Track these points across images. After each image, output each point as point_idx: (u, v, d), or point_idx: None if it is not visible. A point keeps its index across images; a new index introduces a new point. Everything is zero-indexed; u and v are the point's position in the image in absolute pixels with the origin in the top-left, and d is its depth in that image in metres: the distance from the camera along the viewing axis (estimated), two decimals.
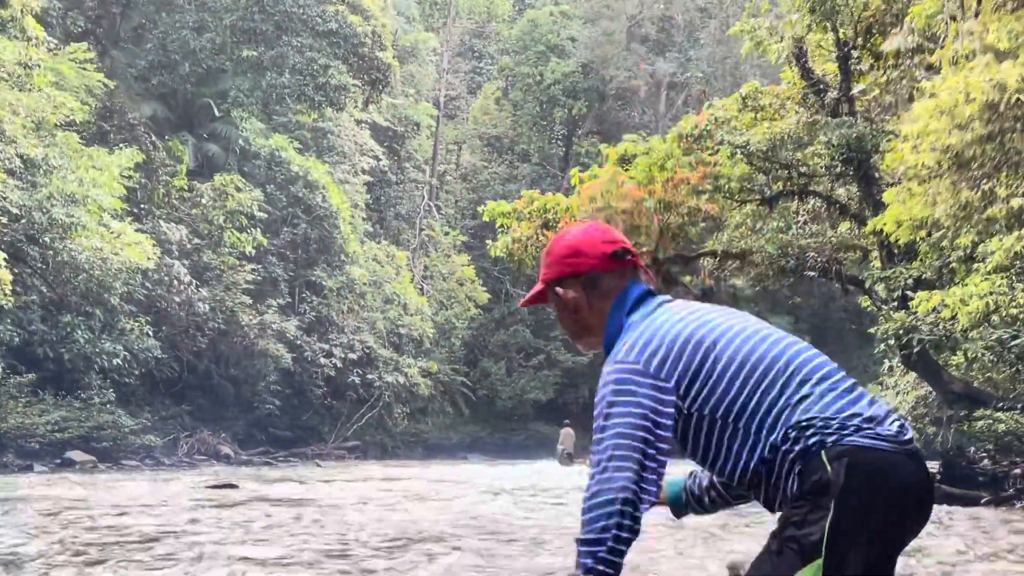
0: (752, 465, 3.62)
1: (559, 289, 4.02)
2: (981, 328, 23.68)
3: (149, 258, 42.72)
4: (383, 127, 73.22)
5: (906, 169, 18.41)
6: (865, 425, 3.48)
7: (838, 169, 31.06)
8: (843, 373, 3.70)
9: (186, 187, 52.29)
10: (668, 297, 3.99)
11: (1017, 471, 25.28)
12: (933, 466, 32.42)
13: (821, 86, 31.66)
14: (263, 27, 55.75)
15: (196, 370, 53.56)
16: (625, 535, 3.53)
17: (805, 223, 34.27)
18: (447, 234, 77.62)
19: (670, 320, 3.78)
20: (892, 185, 25.94)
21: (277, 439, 56.85)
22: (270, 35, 56.03)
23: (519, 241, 33.09)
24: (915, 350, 26.99)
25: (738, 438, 3.62)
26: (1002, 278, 20.41)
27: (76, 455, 41.30)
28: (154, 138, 50.71)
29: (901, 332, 27.10)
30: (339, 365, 59.48)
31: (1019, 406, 27.42)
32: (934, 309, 25.72)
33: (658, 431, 3.61)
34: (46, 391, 43.45)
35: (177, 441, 49.75)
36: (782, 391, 3.59)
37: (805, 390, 3.58)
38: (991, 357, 26.81)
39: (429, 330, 67.59)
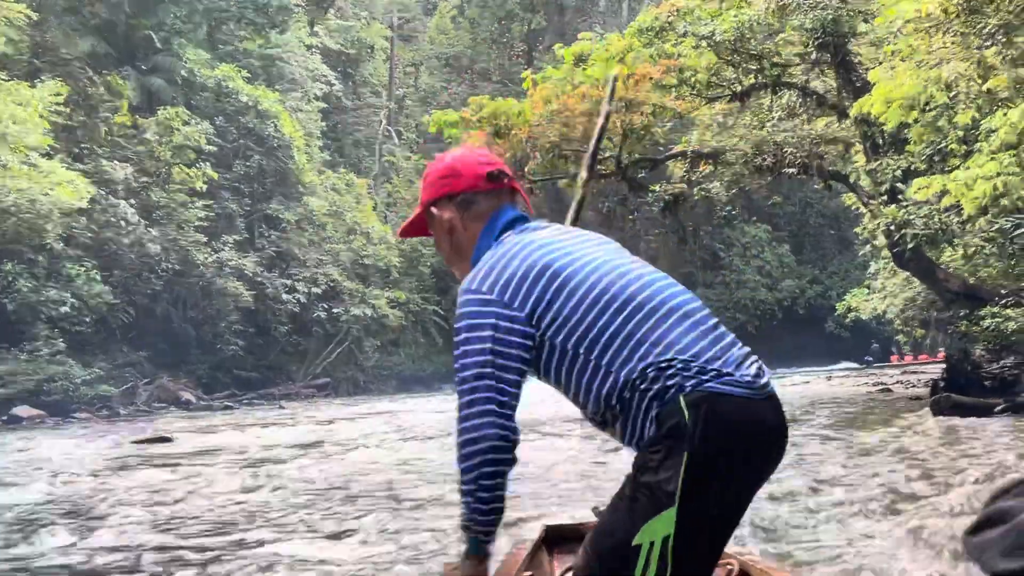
0: (606, 400, 3.53)
1: (434, 209, 4.02)
2: (989, 216, 21.49)
3: (83, 197, 40.62)
4: (335, 51, 71.17)
5: (904, 24, 16.01)
6: (724, 369, 3.44)
7: (813, 56, 28.88)
8: (707, 311, 3.68)
9: (129, 123, 49.96)
10: (542, 223, 3.96)
11: None
12: (935, 372, 30.71)
13: None
14: None
15: (153, 314, 51.56)
16: (498, 479, 3.53)
17: (780, 119, 32.10)
18: (408, 159, 75.42)
19: (529, 247, 3.72)
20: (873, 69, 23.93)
21: (243, 381, 55.11)
22: None
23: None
24: (908, 246, 24.81)
25: (589, 371, 3.55)
26: (1011, 156, 18.09)
27: (23, 411, 39.44)
28: (91, 73, 48.39)
29: (892, 227, 24.91)
30: (303, 300, 58.01)
31: None
32: (927, 201, 23.57)
33: (511, 362, 3.54)
34: None
35: (135, 390, 47.62)
36: (639, 325, 3.52)
37: (666, 327, 3.52)
38: (992, 249, 24.60)
39: (395, 259, 66.03)
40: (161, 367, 50.60)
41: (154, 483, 15.29)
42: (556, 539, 5.59)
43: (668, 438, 3.33)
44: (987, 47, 15.53)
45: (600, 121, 5.65)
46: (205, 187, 51.63)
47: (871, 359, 70.21)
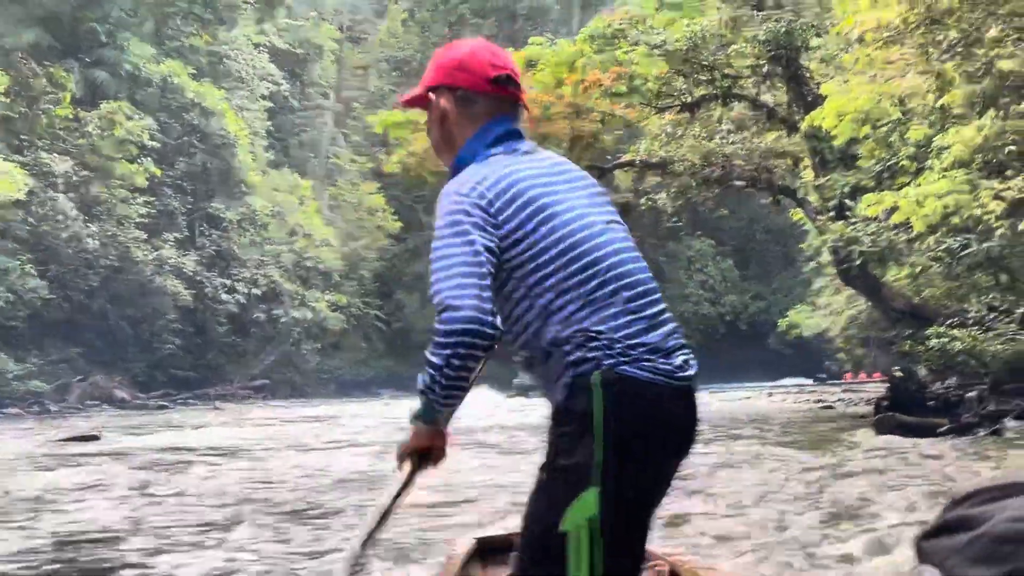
0: (535, 345, 3.51)
1: (433, 96, 3.82)
2: (939, 234, 21.19)
3: (20, 189, 39.90)
4: (283, 51, 70.64)
5: (861, 34, 15.68)
6: (647, 356, 3.40)
7: (765, 69, 28.55)
8: (656, 293, 3.60)
9: (71, 116, 49.09)
10: (533, 146, 3.81)
11: (972, 394, 22.88)
12: (877, 391, 30.49)
13: None
14: None
15: (89, 310, 50.96)
16: (470, 360, 3.44)
17: (729, 132, 31.82)
18: (354, 162, 74.81)
19: (520, 173, 3.61)
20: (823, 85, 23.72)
21: (179, 380, 54.51)
22: None
23: (415, 155, 30.54)
24: (856, 263, 24.55)
25: (532, 312, 3.51)
26: (964, 174, 17.80)
27: None
28: (34, 65, 47.61)
29: (840, 244, 24.64)
30: (243, 301, 57.56)
31: (970, 322, 25.00)
32: (875, 218, 23.31)
33: (491, 258, 3.46)
34: None
35: (69, 386, 46.91)
36: (591, 291, 3.47)
37: (610, 299, 3.47)
38: (939, 269, 24.35)
39: (338, 262, 65.57)
40: (96, 364, 49.99)
41: (61, 485, 14.76)
42: (488, 551, 5.46)
43: (579, 414, 3.35)
44: (946, 60, 15.21)
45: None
46: (147, 183, 51.00)
47: (824, 376, 70.02)
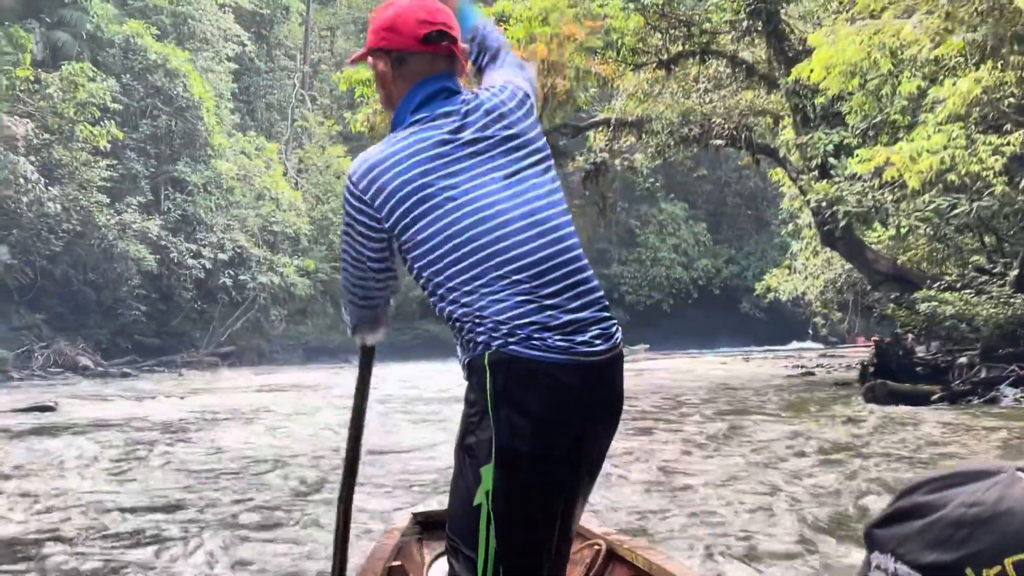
0: (445, 322, 3.65)
1: (370, 59, 3.92)
2: (933, 192, 20.40)
3: None
4: (248, 11, 69.38)
5: None
6: (537, 334, 3.43)
7: (744, 24, 27.66)
8: (564, 269, 3.59)
9: (32, 78, 47.91)
10: (467, 96, 3.79)
11: (963, 360, 22.15)
12: (853, 356, 29.75)
13: None
14: None
15: (52, 276, 50.07)
16: (374, 326, 4.15)
17: (706, 90, 31.00)
18: (322, 124, 73.79)
19: (417, 157, 3.63)
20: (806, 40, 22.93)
21: (144, 347, 53.86)
22: None
23: (382, 112, 29.51)
24: (840, 224, 23.73)
25: (429, 292, 3.64)
26: (960, 128, 16.98)
27: None
28: None
29: (824, 204, 23.83)
30: (208, 266, 56.54)
31: (958, 285, 24.27)
32: (860, 177, 22.52)
33: (374, 254, 3.76)
34: None
35: (31, 354, 46.03)
36: (479, 275, 3.51)
37: (497, 279, 3.52)
38: (928, 230, 23.59)
39: (305, 227, 64.44)
40: (60, 331, 49.32)
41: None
42: (426, 526, 5.58)
43: (478, 394, 3.46)
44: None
45: None
46: (109, 146, 49.86)
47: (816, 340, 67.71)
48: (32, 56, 48.39)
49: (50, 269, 49.70)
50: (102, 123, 48.97)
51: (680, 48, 29.61)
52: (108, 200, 50.71)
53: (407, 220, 3.58)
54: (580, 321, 3.53)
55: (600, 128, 32.46)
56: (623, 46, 28.93)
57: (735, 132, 29.69)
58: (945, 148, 16.75)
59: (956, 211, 21.96)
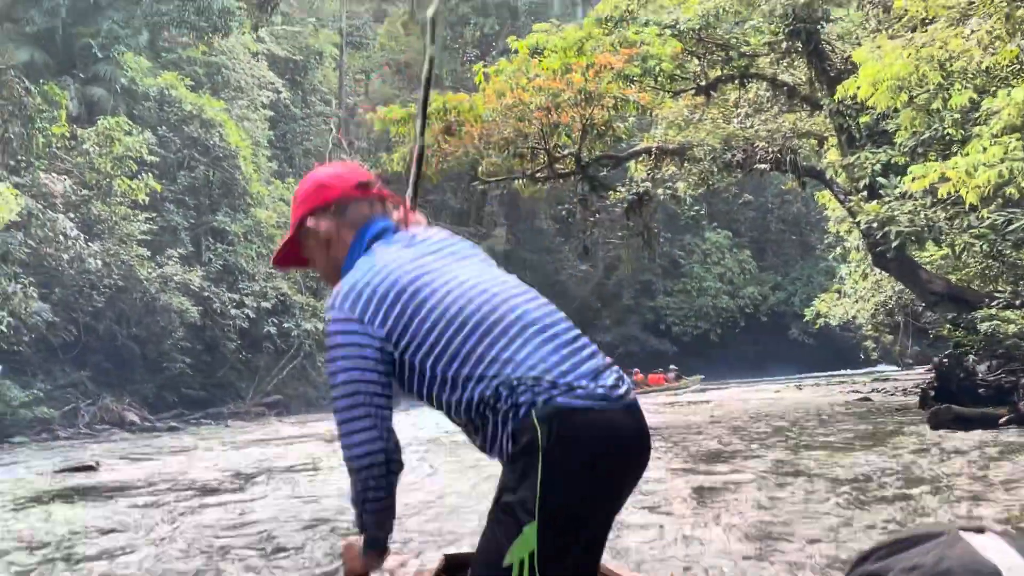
0: (466, 414, 3.60)
1: (310, 221, 4.05)
2: (992, 207, 19.81)
3: (12, 210, 38.63)
4: (282, 58, 69.35)
5: None
6: (577, 383, 3.49)
7: (783, 45, 27.15)
8: (565, 324, 3.74)
9: (68, 134, 47.85)
10: (411, 234, 4.02)
11: None
12: (923, 378, 29.07)
13: None
14: None
15: (95, 332, 49.60)
16: (383, 490, 3.72)
17: (747, 115, 30.50)
18: (360, 168, 73.30)
19: (390, 265, 3.79)
20: (849, 57, 22.41)
21: (190, 400, 53.21)
22: None
23: None
24: (893, 244, 23.08)
25: (448, 388, 3.61)
26: (1017, 140, 16.39)
27: None
28: (28, 84, 46.46)
29: (875, 225, 23.19)
30: (252, 315, 56.12)
31: (1017, 303, 23.56)
32: (911, 196, 21.94)
33: (376, 382, 3.66)
34: None
35: (77, 411, 45.82)
36: (492, 345, 3.57)
37: (517, 344, 3.57)
38: (983, 246, 22.92)
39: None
40: (105, 387, 48.80)
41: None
42: (456, 568, 5.36)
43: (524, 454, 3.40)
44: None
45: (415, 152, 5.45)
46: (148, 199, 49.45)
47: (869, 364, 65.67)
48: (67, 112, 48.35)
49: (93, 325, 49.28)
50: (140, 176, 48.70)
51: (719, 72, 29.16)
52: (149, 253, 50.36)
53: (405, 319, 3.65)
54: (599, 368, 3.61)
55: (641, 158, 31.99)
56: (661, 73, 28.48)
57: (780, 155, 29.11)
58: (1002, 161, 16.14)
59: (1013, 226, 21.34)
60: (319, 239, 4.04)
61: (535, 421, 3.39)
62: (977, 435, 17.80)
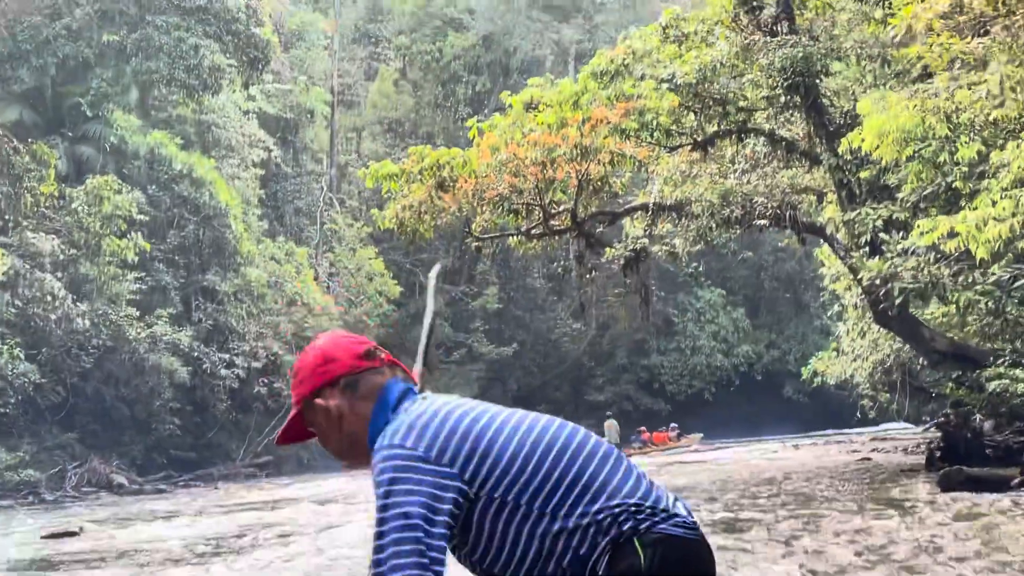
0: (542, 551, 3.52)
1: (319, 401, 3.84)
2: (1003, 262, 19.35)
3: None
4: (273, 116, 68.92)
5: (929, 21, 13.63)
6: (671, 510, 3.55)
7: (781, 99, 26.73)
8: (623, 455, 3.72)
9: (57, 193, 47.44)
10: (432, 395, 3.83)
11: None
12: (922, 437, 28.49)
13: (755, 3, 27.09)
14: (123, 8, 52.00)
15: (83, 393, 49.14)
16: None
17: (744, 171, 30.10)
18: (351, 226, 73.07)
19: (442, 409, 3.66)
20: (848, 112, 22.05)
21: (180, 461, 52.64)
22: (132, 16, 52.17)
23: (411, 208, 28.81)
24: (896, 301, 22.58)
25: (531, 519, 3.52)
26: None
27: None
28: (16, 143, 46.11)
29: (878, 282, 22.69)
30: (242, 375, 55.44)
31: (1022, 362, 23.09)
32: (914, 252, 21.49)
33: (440, 524, 3.47)
34: None
35: (64, 473, 45.17)
36: (581, 472, 3.54)
37: (605, 472, 3.57)
38: (987, 303, 22.42)
39: (339, 330, 63.04)
40: (93, 448, 48.15)
41: None
42: None
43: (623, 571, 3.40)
44: None
45: (427, 320, 5.50)
46: (137, 259, 49.15)
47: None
48: (56, 171, 48.00)
49: (81, 386, 48.76)
50: (129, 236, 48.38)
51: (716, 127, 28.77)
52: (138, 313, 49.77)
53: (480, 451, 3.52)
54: (672, 497, 3.67)
55: (637, 214, 31.57)
56: (658, 127, 28.08)
57: (779, 211, 28.65)
58: (1013, 215, 15.67)
59: (1018, 283, 20.86)
60: (330, 417, 3.84)
61: (638, 547, 3.43)
62: (991, 498, 17.28)
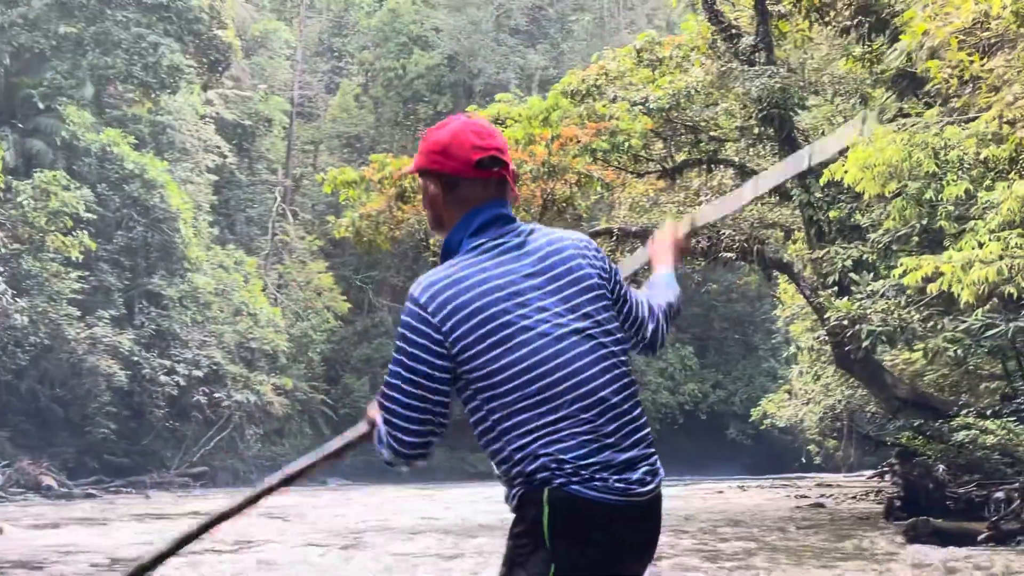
0: (491, 454, 3.67)
1: (423, 180, 4.00)
2: (986, 308, 18.68)
3: None
4: (230, 122, 68.13)
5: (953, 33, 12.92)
6: (599, 474, 3.55)
7: (755, 130, 26.18)
8: (623, 403, 3.71)
9: (3, 186, 46.42)
10: (522, 227, 3.90)
11: (999, 495, 20.33)
12: (868, 485, 27.95)
13: (733, 31, 26.51)
14: (83, 0, 51.47)
15: (17, 391, 48.39)
16: (414, 464, 3.89)
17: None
18: (303, 239, 72.34)
19: (488, 282, 3.70)
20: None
21: (112, 467, 51.63)
22: (92, 9, 51.79)
23: (368, 217, 28.05)
24: (863, 344, 21.90)
25: (487, 427, 3.66)
26: (1019, 236, 15.21)
27: None
28: None
29: (845, 323, 22.01)
30: (182, 383, 54.41)
31: (988, 413, 22.53)
32: (882, 294, 20.86)
33: (427, 385, 3.67)
34: None
35: None
36: (537, 406, 3.58)
37: (563, 419, 3.58)
38: (956, 351, 21.77)
39: (284, 344, 62.62)
40: (23, 449, 47.24)
41: None
42: None
43: (531, 526, 3.55)
44: None
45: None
46: (82, 257, 48.32)
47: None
48: (4, 163, 47.00)
49: (15, 384, 47.99)
50: (75, 233, 47.46)
51: (686, 156, 28.22)
52: (79, 313, 48.98)
53: (481, 347, 3.61)
54: (633, 460, 3.63)
55: (601, 238, 30.94)
56: (629, 148, 27.45)
57: (746, 245, 28.03)
58: (1001, 258, 14.95)
59: (991, 332, 20.17)
60: (426, 196, 3.99)
61: (544, 498, 3.50)
62: (963, 552, 16.62)
